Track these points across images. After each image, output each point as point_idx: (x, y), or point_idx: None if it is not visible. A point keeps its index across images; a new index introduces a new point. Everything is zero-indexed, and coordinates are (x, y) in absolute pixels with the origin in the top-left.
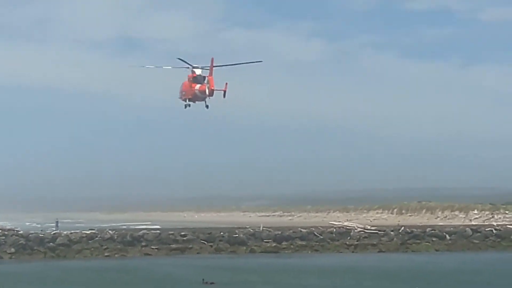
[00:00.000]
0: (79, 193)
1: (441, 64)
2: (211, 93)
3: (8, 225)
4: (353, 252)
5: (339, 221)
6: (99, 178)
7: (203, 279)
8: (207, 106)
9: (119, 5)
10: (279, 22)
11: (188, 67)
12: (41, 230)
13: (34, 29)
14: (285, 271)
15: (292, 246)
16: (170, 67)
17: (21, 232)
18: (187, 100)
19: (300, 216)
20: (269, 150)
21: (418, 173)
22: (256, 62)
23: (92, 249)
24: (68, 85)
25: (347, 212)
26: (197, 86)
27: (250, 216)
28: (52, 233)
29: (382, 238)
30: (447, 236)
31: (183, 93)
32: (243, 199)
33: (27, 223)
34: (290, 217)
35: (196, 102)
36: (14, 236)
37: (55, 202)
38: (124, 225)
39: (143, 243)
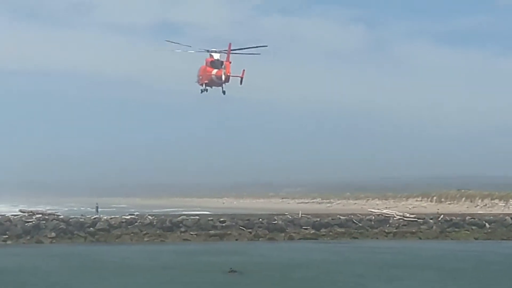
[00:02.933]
0: (118, 179)
1: (477, 52)
2: (227, 79)
3: (48, 209)
4: (391, 239)
5: (378, 209)
6: (137, 165)
7: (230, 268)
8: (223, 92)
9: None
10: (317, 8)
11: (207, 51)
12: (81, 215)
13: (70, 14)
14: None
15: (330, 233)
16: (193, 51)
17: (62, 216)
18: (204, 85)
19: (339, 203)
20: (307, 138)
21: (458, 160)
22: (261, 46)
23: (132, 234)
24: (104, 70)
25: (386, 199)
26: (214, 71)
27: (288, 203)
28: (92, 218)
29: (421, 226)
30: (486, 224)
31: (200, 77)
32: (281, 186)
33: (66, 208)
34: (328, 204)
35: (213, 87)
36: (54, 220)
37: (95, 187)
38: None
39: (182, 229)
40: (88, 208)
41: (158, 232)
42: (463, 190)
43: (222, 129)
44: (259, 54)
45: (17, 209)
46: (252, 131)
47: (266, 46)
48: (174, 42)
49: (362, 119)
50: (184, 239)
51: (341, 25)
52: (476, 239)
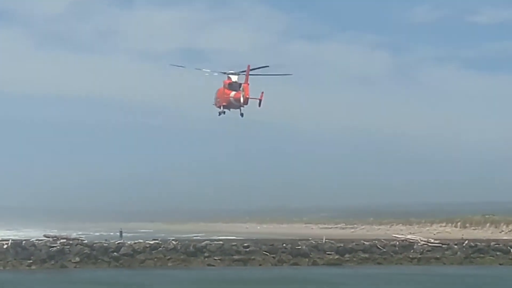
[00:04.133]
0: (143, 204)
1: (504, 77)
2: (246, 101)
3: (73, 234)
4: (416, 265)
5: (402, 234)
6: (161, 190)
7: None
8: (241, 114)
9: (182, 18)
10: (340, 34)
11: (224, 73)
12: (106, 240)
13: (98, 41)
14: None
15: (355, 259)
16: (209, 71)
17: (86, 241)
18: (222, 107)
19: (363, 228)
20: (330, 163)
21: (483, 186)
22: (287, 75)
23: (156, 259)
24: (129, 96)
25: (410, 225)
26: (232, 93)
27: (312, 228)
28: (116, 242)
29: (446, 252)
30: (511, 250)
31: (218, 100)
32: (305, 211)
33: (92, 233)
34: (352, 229)
35: (231, 109)
36: (78, 245)
37: (120, 212)
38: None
39: (206, 254)
40: (112, 233)
41: (182, 257)
42: (487, 216)
43: (244, 153)
44: (278, 75)
45: (42, 234)
46: (274, 156)
47: (291, 74)
48: (179, 66)
49: (387, 145)
50: (208, 264)
51: (366, 51)
52: (501, 264)
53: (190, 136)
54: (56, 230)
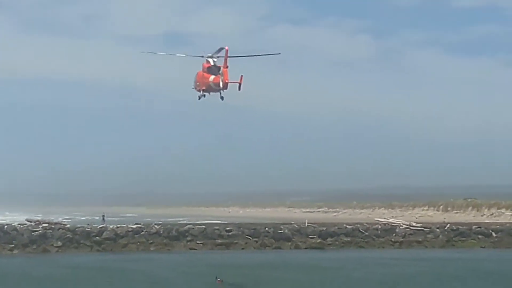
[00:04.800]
0: (124, 188)
1: (486, 61)
2: (225, 86)
3: (59, 218)
4: (398, 248)
5: (385, 218)
6: (143, 174)
7: (216, 277)
8: (222, 98)
9: (166, 2)
10: (324, 19)
11: (202, 56)
12: (88, 224)
13: (80, 25)
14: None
15: (337, 243)
16: (184, 55)
17: (68, 225)
18: (202, 91)
19: (345, 212)
20: (313, 147)
21: (464, 170)
22: (275, 54)
23: (138, 243)
24: (112, 79)
25: (393, 208)
26: (211, 78)
27: (295, 212)
28: (99, 227)
29: (428, 235)
30: (493, 233)
31: (197, 83)
32: (288, 195)
33: (75, 217)
34: (335, 213)
35: (211, 93)
36: (61, 230)
37: (102, 196)
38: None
39: (188, 238)
40: (97, 218)
41: (164, 241)
42: (469, 199)
43: (226, 137)
44: (257, 56)
45: (24, 219)
46: (256, 140)
47: (279, 53)
48: (150, 52)
49: (369, 128)
50: (191, 248)
51: (350, 35)
52: (482, 247)
53: (172, 120)
54: (40, 215)
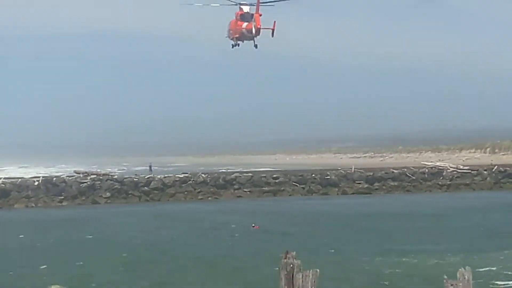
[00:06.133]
0: (170, 136)
1: None
2: (258, 32)
3: (102, 170)
4: (445, 191)
5: (431, 161)
6: (187, 121)
7: (253, 224)
8: (255, 46)
9: None
10: None
11: (236, 4)
12: (135, 175)
13: None
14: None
15: (384, 187)
16: (218, 5)
17: (116, 176)
18: (235, 39)
19: (391, 157)
20: (357, 93)
21: (510, 111)
22: None
23: (186, 192)
24: (144, 29)
25: (439, 152)
26: (244, 25)
27: (341, 158)
28: (146, 177)
29: (475, 178)
30: None
31: (230, 31)
32: (333, 141)
33: (120, 168)
34: (381, 158)
35: (244, 41)
36: (109, 180)
37: (147, 147)
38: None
39: (236, 186)
40: (142, 168)
41: (211, 190)
42: None
43: (269, 86)
44: (288, 0)
45: (72, 170)
46: (294, 87)
47: None
48: (189, 4)
49: (413, 72)
50: (238, 196)
51: None
52: None
53: (209, 69)
54: (95, 166)
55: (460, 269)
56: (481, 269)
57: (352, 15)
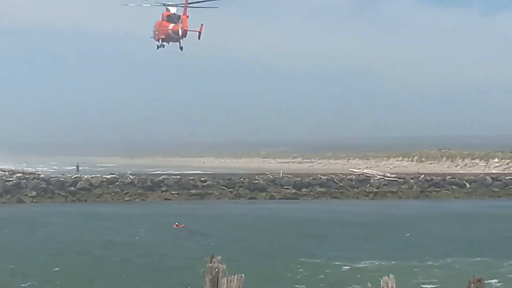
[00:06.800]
0: (97, 138)
1: (462, 11)
2: (184, 34)
3: (28, 168)
4: (372, 199)
5: (359, 168)
6: (116, 123)
7: (176, 223)
8: (181, 48)
9: None
10: None
11: (164, 5)
12: (62, 174)
13: None
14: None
15: (311, 193)
16: (148, 5)
17: (42, 175)
18: (161, 40)
19: (320, 163)
20: (287, 97)
21: (439, 120)
22: None
23: (113, 193)
24: (80, 27)
25: (367, 159)
26: (171, 26)
27: (270, 163)
28: (73, 177)
29: (402, 186)
30: (467, 184)
31: (156, 32)
32: (262, 145)
33: (47, 167)
34: (310, 164)
35: (170, 42)
36: (35, 179)
37: (75, 146)
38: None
39: (163, 188)
40: (69, 167)
41: (139, 191)
42: (443, 150)
43: (198, 88)
44: (217, 7)
45: None
46: (229, 90)
47: None
48: (123, 4)
49: (343, 79)
50: (165, 199)
51: None
52: (456, 198)
53: (137, 69)
54: (24, 164)
55: (383, 277)
56: (404, 277)
57: (283, 18)
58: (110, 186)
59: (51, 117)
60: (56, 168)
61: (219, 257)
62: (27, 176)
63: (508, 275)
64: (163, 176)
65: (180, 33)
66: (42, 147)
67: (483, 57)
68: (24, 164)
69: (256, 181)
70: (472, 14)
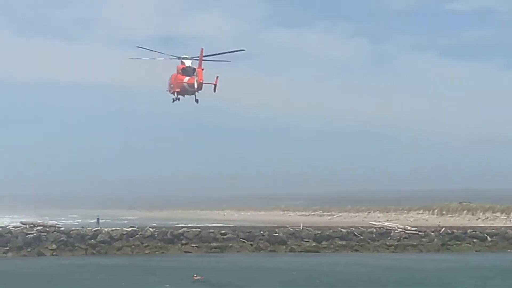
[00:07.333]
0: (118, 192)
1: (482, 65)
2: (200, 87)
3: (49, 221)
4: (393, 252)
5: (379, 221)
6: (138, 178)
7: (195, 275)
8: (196, 101)
9: (160, 5)
10: (318, 22)
11: (178, 58)
12: (82, 227)
13: (73, 28)
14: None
15: (332, 246)
16: (162, 59)
17: (63, 228)
18: (176, 94)
19: (340, 215)
20: (307, 150)
21: (460, 173)
22: (239, 50)
23: (133, 246)
24: (105, 83)
25: (387, 212)
26: (186, 79)
27: (290, 215)
28: (93, 230)
29: (423, 239)
30: (488, 237)
31: (171, 85)
32: (282, 198)
33: (67, 220)
34: (329, 217)
35: (185, 96)
36: (55, 232)
37: (95, 200)
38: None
39: (183, 241)
40: (90, 220)
41: (159, 244)
42: (464, 203)
43: (218, 140)
44: (230, 61)
45: (19, 221)
46: (248, 143)
47: (244, 50)
48: (146, 49)
49: (364, 132)
50: (185, 251)
51: (344, 39)
52: (477, 251)
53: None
54: (47, 217)
55: None
56: None
57: (307, 74)
58: (130, 239)
59: (70, 170)
60: (79, 220)
61: None
62: (47, 229)
63: None
64: (183, 229)
65: (195, 86)
66: (63, 201)
67: (504, 111)
68: (46, 217)
69: (276, 234)
70: (492, 69)
